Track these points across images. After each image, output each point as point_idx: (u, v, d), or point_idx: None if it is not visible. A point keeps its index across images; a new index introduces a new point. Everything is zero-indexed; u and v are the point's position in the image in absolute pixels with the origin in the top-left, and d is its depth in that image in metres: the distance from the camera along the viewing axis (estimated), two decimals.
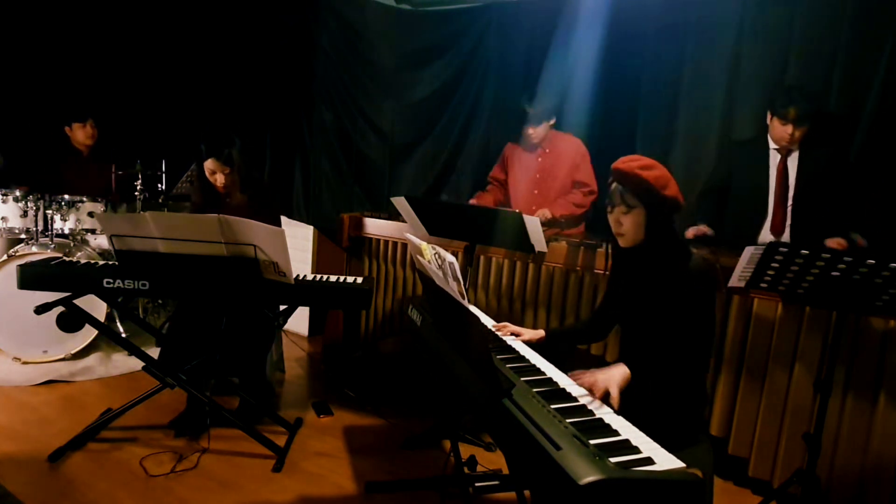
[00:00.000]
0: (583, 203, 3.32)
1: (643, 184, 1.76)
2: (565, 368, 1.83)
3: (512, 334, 2.18)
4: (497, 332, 2.18)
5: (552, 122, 3.31)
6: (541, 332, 2.16)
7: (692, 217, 2.87)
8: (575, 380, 1.68)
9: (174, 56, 4.87)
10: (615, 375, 1.66)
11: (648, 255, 1.84)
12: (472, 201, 3.51)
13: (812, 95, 2.65)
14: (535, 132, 3.28)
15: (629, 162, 1.80)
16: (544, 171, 3.39)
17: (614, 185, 1.83)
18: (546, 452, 1.28)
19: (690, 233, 2.77)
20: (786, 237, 2.80)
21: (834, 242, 2.52)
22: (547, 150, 3.38)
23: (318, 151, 4.44)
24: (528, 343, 2.12)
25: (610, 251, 2.01)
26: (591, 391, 1.64)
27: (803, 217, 2.75)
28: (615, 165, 1.82)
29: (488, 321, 2.30)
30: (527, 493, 2.11)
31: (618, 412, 1.54)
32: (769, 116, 2.72)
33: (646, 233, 1.81)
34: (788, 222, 2.79)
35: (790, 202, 2.77)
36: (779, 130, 2.69)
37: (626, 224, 1.82)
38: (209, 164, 2.86)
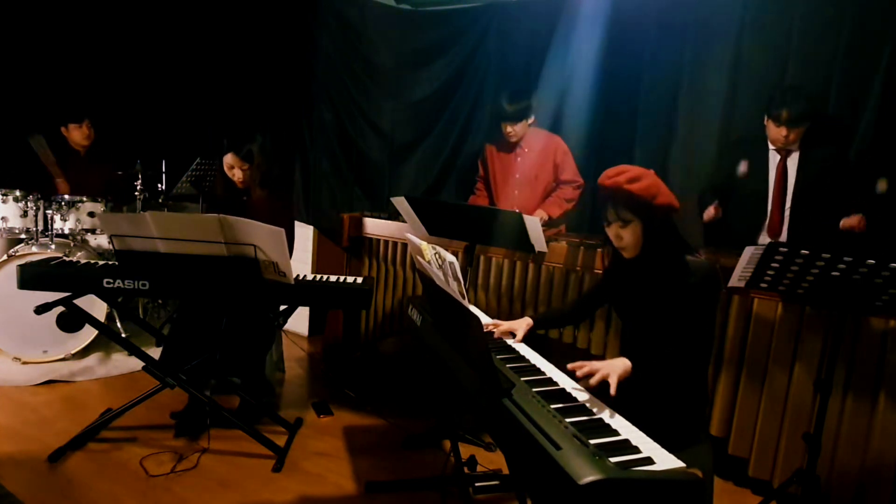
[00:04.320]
0: (573, 197, 3.31)
1: (633, 197, 1.74)
2: (563, 367, 1.83)
3: (504, 333, 2.16)
4: (492, 332, 2.17)
5: (531, 120, 3.27)
6: (528, 321, 2.16)
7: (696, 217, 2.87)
8: (575, 367, 1.67)
9: (173, 56, 4.87)
10: (617, 365, 1.67)
11: (652, 263, 1.84)
12: None
13: (807, 97, 2.63)
14: (513, 130, 3.23)
15: (615, 177, 1.77)
16: (524, 171, 3.35)
17: (605, 200, 1.82)
18: (546, 452, 1.28)
19: (709, 214, 2.76)
20: (783, 239, 2.79)
21: (853, 220, 2.55)
22: (526, 150, 3.34)
23: (318, 151, 4.44)
24: (524, 335, 2.11)
25: (608, 254, 2.00)
26: (589, 376, 1.64)
27: (801, 218, 2.74)
28: (601, 181, 1.80)
29: (488, 321, 2.29)
30: (527, 493, 2.11)
31: (618, 411, 1.54)
32: (765, 118, 2.72)
33: (644, 243, 1.81)
34: (786, 224, 2.78)
35: (789, 203, 2.77)
36: (773, 132, 2.68)
37: (626, 238, 1.82)
38: (228, 159, 2.86)
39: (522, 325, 2.15)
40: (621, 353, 2.08)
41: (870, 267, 1.85)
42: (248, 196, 2.94)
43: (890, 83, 2.67)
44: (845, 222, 2.55)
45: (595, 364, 1.66)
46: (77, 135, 4.11)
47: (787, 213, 2.77)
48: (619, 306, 2.05)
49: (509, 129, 3.25)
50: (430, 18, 3.97)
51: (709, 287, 1.79)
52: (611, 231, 1.85)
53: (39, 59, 4.44)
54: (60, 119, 4.08)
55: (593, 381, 1.61)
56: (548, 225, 3.18)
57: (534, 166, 3.33)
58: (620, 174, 1.77)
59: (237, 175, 2.87)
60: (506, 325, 2.18)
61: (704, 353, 1.83)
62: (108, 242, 3.33)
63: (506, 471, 2.53)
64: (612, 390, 1.59)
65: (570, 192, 3.32)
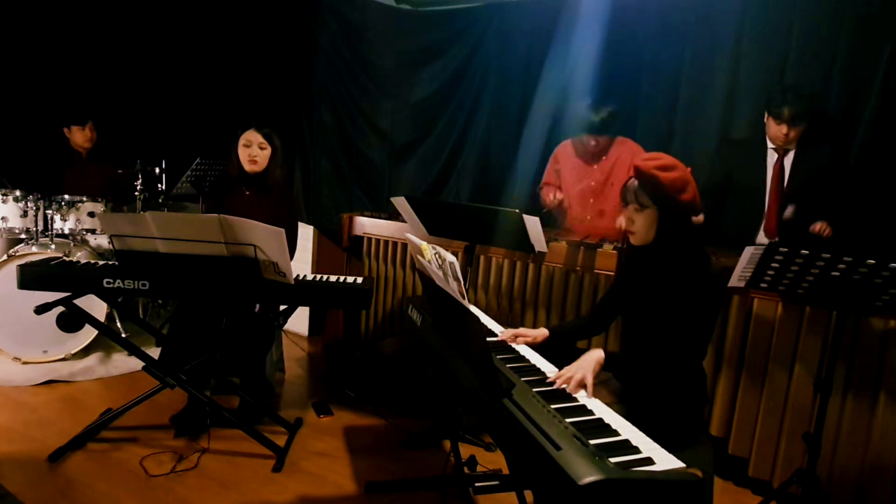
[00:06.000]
0: None
1: (658, 185, 1.73)
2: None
3: (524, 343, 2.12)
4: (510, 343, 2.13)
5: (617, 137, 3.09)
6: (544, 332, 2.15)
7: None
8: (555, 380, 1.68)
9: (173, 57, 4.87)
10: (588, 363, 1.67)
11: (658, 256, 1.83)
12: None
13: (807, 95, 2.64)
14: (598, 143, 3.03)
15: (649, 160, 1.76)
16: (601, 179, 3.15)
17: (631, 180, 1.82)
18: (546, 452, 1.28)
19: (817, 227, 2.69)
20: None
21: (818, 226, 2.59)
22: (604, 158, 3.14)
23: (318, 151, 4.45)
24: (535, 344, 2.10)
25: (622, 247, 2.00)
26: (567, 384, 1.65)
27: (797, 217, 2.75)
28: (635, 162, 1.80)
29: (488, 321, 2.29)
30: (527, 493, 2.11)
31: (618, 412, 1.54)
32: (765, 115, 2.72)
33: (656, 234, 1.80)
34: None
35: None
36: (774, 130, 2.69)
37: (637, 222, 1.81)
38: (247, 135, 2.88)
39: (539, 333, 2.13)
40: (621, 350, 2.09)
41: (870, 267, 1.85)
42: (260, 180, 2.96)
43: (890, 83, 2.67)
44: (814, 227, 2.57)
45: (568, 371, 1.66)
46: (79, 136, 4.11)
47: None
48: (625, 303, 2.04)
49: (593, 142, 3.03)
50: (430, 18, 3.97)
51: (716, 288, 1.79)
52: (625, 213, 1.85)
53: (43, 62, 4.44)
54: (63, 120, 4.09)
55: (570, 389, 1.61)
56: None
57: (612, 174, 3.12)
58: (655, 159, 1.76)
59: (252, 153, 2.88)
60: (525, 337, 2.13)
61: (699, 350, 1.82)
62: (108, 242, 3.32)
63: (506, 471, 2.53)
64: (590, 391, 1.61)
65: None
